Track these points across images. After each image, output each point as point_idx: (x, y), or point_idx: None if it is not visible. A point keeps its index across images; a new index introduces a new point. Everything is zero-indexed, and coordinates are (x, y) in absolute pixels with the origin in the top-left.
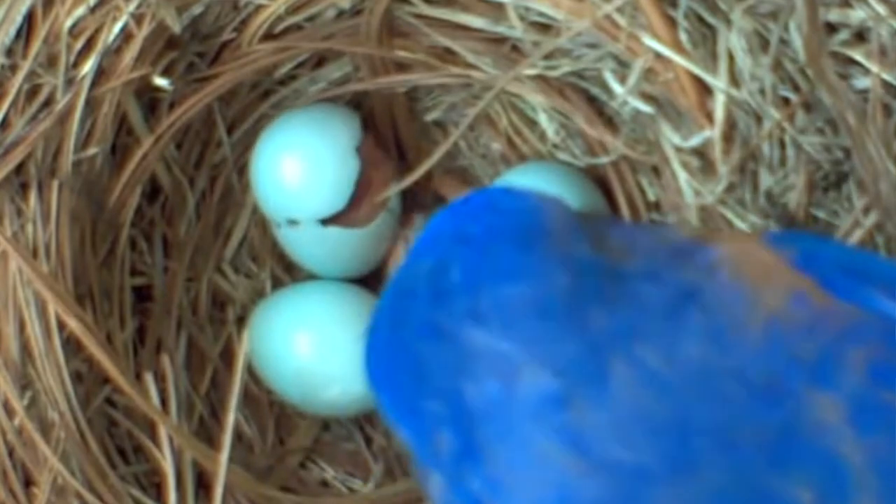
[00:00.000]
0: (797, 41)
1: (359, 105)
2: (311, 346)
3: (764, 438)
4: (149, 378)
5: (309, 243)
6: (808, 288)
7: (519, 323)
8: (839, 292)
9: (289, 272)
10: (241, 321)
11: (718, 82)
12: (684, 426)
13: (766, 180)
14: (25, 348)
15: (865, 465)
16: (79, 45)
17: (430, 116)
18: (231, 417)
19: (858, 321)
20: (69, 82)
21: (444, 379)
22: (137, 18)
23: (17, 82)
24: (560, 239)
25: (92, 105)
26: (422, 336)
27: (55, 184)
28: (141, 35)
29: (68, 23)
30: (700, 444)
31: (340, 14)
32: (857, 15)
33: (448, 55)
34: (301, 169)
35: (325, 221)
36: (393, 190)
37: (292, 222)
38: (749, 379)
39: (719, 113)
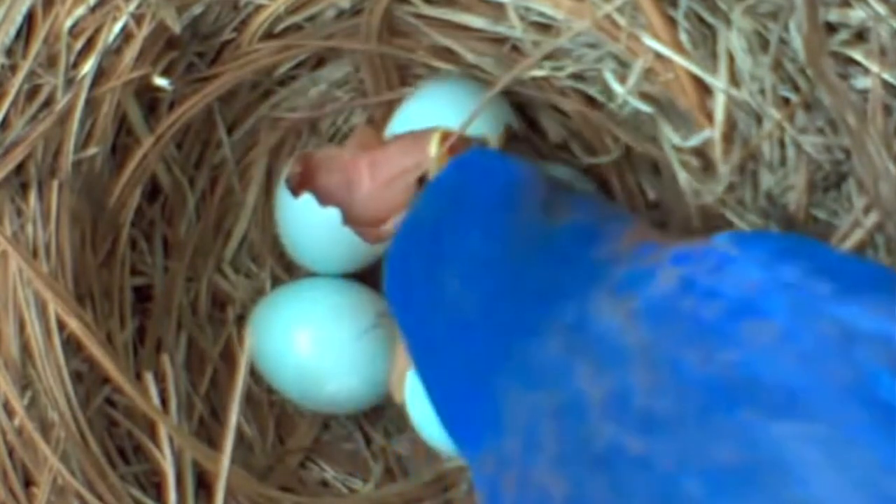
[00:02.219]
0: (797, 41)
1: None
2: (311, 343)
3: None
4: (149, 378)
5: (311, 225)
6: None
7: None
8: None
9: (289, 272)
10: (241, 321)
11: (718, 82)
12: None
13: (766, 180)
14: (25, 348)
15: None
16: (79, 45)
17: None
18: (234, 416)
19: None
20: (69, 82)
21: None
22: (137, 18)
23: (17, 82)
24: (524, 206)
25: (92, 105)
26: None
27: (55, 184)
28: (141, 35)
29: (68, 23)
30: None
31: (340, 14)
32: (857, 15)
33: (448, 55)
34: None
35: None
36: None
37: None
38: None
39: (719, 113)
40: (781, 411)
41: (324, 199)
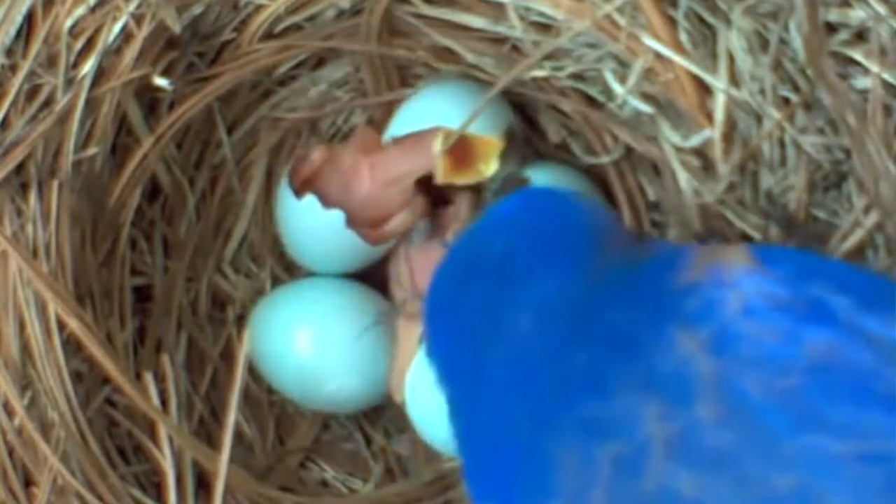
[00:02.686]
0: (797, 41)
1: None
2: (311, 343)
3: None
4: (149, 378)
5: (312, 225)
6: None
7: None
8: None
9: (289, 272)
10: (241, 321)
11: (718, 82)
12: None
13: (766, 180)
14: (25, 348)
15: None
16: (79, 45)
17: None
18: (232, 416)
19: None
20: (69, 82)
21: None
22: (137, 18)
23: (17, 82)
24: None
25: (92, 105)
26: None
27: (55, 184)
28: (141, 35)
29: (68, 23)
30: None
31: (340, 14)
32: (857, 15)
33: (448, 55)
34: None
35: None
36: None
37: None
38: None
39: (719, 113)
40: (844, 438)
41: (327, 201)
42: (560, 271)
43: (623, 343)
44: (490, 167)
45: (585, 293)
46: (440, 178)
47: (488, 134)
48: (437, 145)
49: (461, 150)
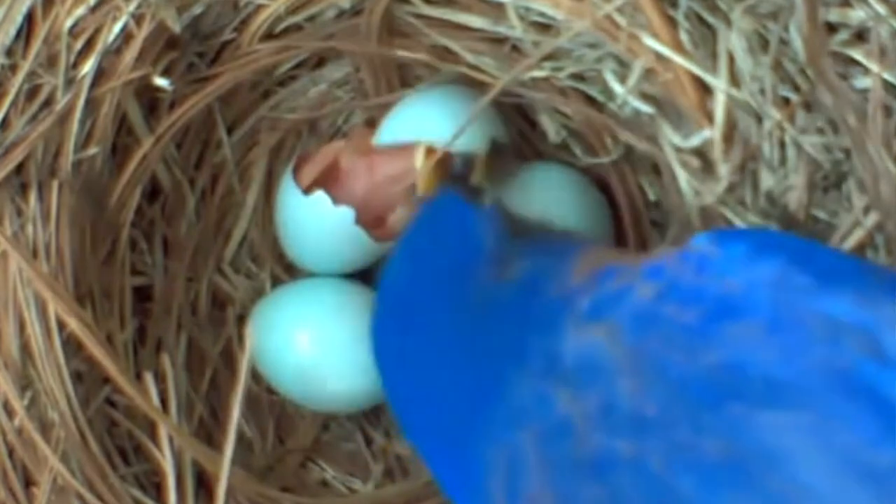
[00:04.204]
0: (797, 41)
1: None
2: (311, 343)
3: None
4: (149, 378)
5: (312, 226)
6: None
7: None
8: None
9: (289, 272)
10: (241, 321)
11: (718, 82)
12: None
13: (766, 180)
14: (25, 348)
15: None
16: (79, 45)
17: None
18: (235, 416)
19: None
20: (69, 82)
21: None
22: (137, 18)
23: (17, 82)
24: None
25: (92, 105)
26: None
27: (55, 184)
28: (141, 35)
29: (68, 23)
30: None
31: (340, 14)
32: (857, 15)
33: (448, 55)
34: None
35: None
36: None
37: None
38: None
39: (719, 113)
40: (767, 403)
41: (336, 198)
42: (445, 298)
43: (515, 354)
44: (474, 180)
45: (470, 316)
46: (421, 191)
47: (472, 147)
48: (418, 162)
49: (443, 163)
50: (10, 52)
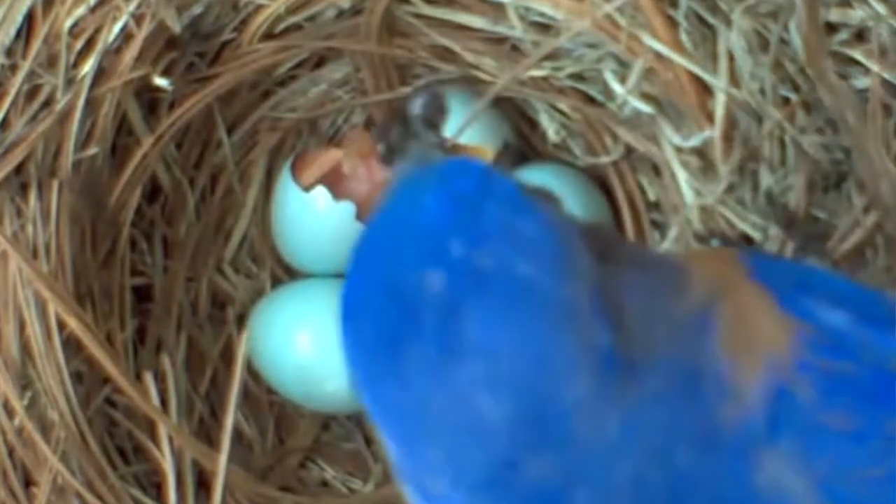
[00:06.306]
0: (797, 41)
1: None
2: (311, 343)
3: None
4: (149, 378)
5: (311, 226)
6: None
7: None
8: (791, 307)
9: (289, 272)
10: (241, 321)
11: (718, 82)
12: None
13: (766, 180)
14: (25, 348)
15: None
16: (79, 45)
17: None
18: (230, 417)
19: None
20: (69, 82)
21: None
22: (137, 18)
23: (17, 82)
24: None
25: (92, 105)
26: None
27: (55, 184)
28: (141, 35)
29: (68, 23)
30: None
31: (340, 14)
32: (857, 15)
33: (448, 55)
34: None
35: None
36: None
37: None
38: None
39: (719, 113)
40: None
41: (337, 193)
42: None
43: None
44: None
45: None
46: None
47: (479, 143)
48: None
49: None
50: (10, 52)
